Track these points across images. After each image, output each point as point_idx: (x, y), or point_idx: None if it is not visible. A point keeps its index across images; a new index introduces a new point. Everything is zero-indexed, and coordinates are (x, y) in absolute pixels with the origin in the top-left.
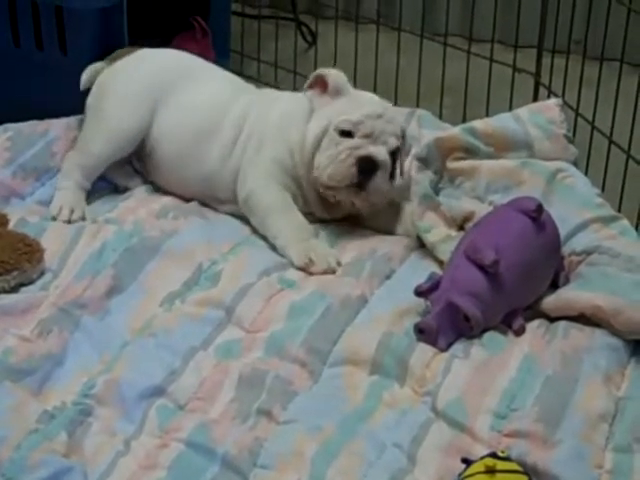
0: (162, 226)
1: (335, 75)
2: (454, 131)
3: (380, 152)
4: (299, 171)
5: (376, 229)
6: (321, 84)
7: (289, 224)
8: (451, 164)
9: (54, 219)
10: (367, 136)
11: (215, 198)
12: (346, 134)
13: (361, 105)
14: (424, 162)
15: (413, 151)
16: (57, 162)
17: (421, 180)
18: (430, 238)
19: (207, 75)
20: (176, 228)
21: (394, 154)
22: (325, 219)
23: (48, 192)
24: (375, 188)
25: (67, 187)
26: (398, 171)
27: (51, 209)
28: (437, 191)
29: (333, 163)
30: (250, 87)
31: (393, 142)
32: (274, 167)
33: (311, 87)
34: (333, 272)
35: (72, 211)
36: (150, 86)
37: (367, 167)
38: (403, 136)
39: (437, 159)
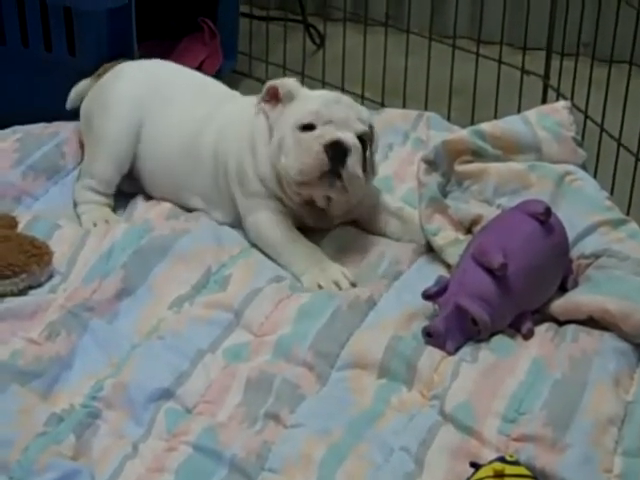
0: (172, 226)
1: (284, 82)
2: (462, 134)
3: (347, 136)
4: (280, 191)
5: (380, 235)
6: (273, 95)
7: (295, 253)
8: (459, 167)
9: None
10: (329, 122)
11: (215, 220)
12: (308, 128)
13: (315, 99)
14: (432, 165)
15: (420, 153)
16: (68, 162)
17: (429, 182)
18: (438, 241)
19: (181, 94)
20: (186, 228)
21: (363, 141)
22: (323, 227)
23: (61, 191)
24: (349, 174)
25: (89, 210)
26: (370, 163)
27: (79, 231)
28: (445, 194)
29: (301, 156)
30: (227, 97)
31: (359, 126)
32: (261, 200)
33: (266, 101)
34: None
35: (107, 222)
36: (132, 101)
37: (337, 152)
38: (370, 128)
39: (445, 162)
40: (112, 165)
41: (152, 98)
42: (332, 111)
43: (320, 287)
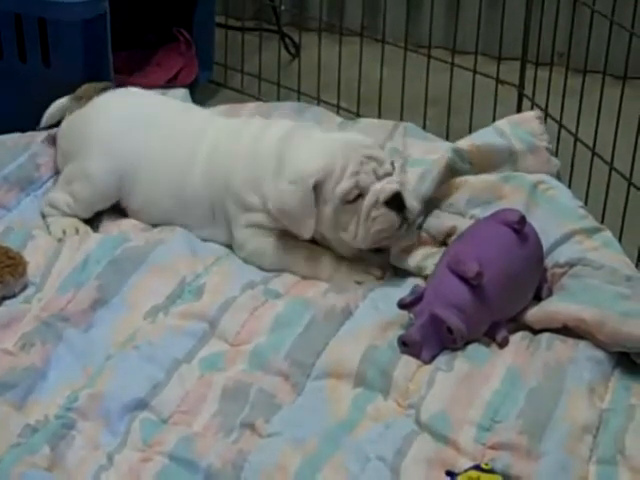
0: (147, 237)
1: (313, 173)
2: (446, 160)
3: (391, 182)
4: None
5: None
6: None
7: (312, 266)
8: (437, 191)
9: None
10: (371, 184)
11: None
12: (357, 198)
13: (342, 167)
14: (426, 203)
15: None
16: (42, 174)
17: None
18: (411, 263)
19: (167, 124)
20: (161, 238)
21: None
22: None
23: (33, 203)
24: (411, 210)
25: (57, 220)
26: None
27: (53, 240)
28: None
29: (371, 226)
30: (208, 121)
31: (387, 167)
32: (255, 228)
33: None
34: (381, 278)
35: (77, 230)
36: (117, 138)
37: (398, 201)
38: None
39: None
40: (92, 204)
41: (134, 134)
42: (367, 174)
43: (358, 283)
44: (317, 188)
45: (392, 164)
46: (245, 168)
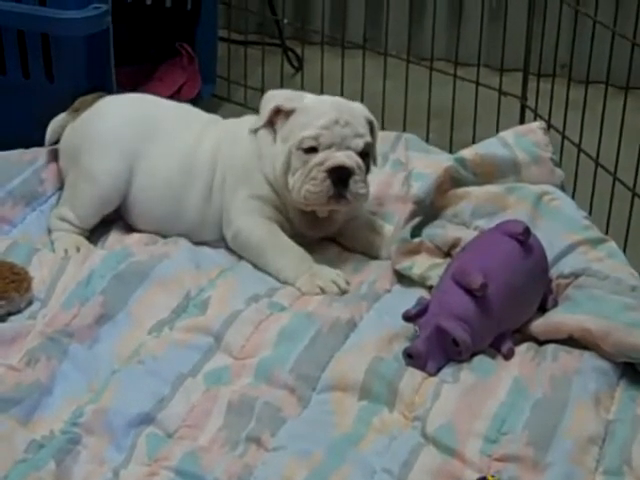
0: (151, 251)
1: (280, 97)
2: (446, 165)
3: (349, 157)
4: (282, 197)
5: (360, 252)
6: (275, 112)
7: (287, 257)
8: (439, 199)
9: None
10: (330, 146)
11: (201, 240)
12: (310, 150)
13: (316, 115)
14: (420, 205)
15: (399, 175)
16: (46, 188)
17: (406, 227)
18: (416, 272)
19: (170, 121)
20: (165, 252)
21: (365, 152)
22: (314, 237)
23: (38, 218)
24: (354, 193)
25: (62, 236)
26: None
27: (57, 257)
28: (420, 231)
29: (306, 182)
30: (213, 119)
31: (359, 142)
32: (255, 202)
33: (271, 122)
34: (345, 292)
35: (78, 249)
36: (122, 137)
37: (341, 176)
38: (371, 129)
39: (432, 199)
40: (96, 206)
41: (139, 133)
42: (332, 134)
43: (321, 289)
44: (282, 116)
45: (366, 145)
46: (251, 139)
